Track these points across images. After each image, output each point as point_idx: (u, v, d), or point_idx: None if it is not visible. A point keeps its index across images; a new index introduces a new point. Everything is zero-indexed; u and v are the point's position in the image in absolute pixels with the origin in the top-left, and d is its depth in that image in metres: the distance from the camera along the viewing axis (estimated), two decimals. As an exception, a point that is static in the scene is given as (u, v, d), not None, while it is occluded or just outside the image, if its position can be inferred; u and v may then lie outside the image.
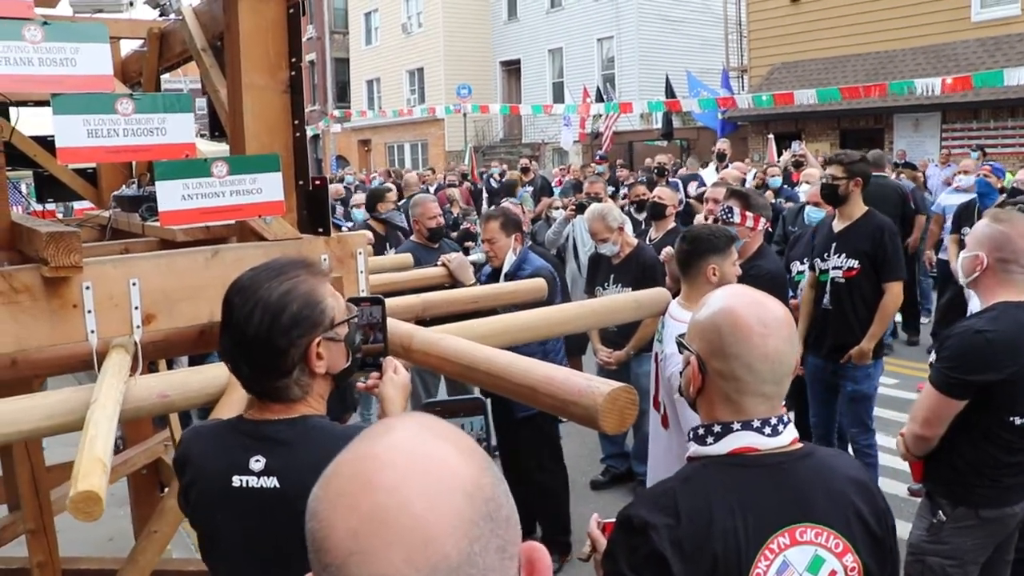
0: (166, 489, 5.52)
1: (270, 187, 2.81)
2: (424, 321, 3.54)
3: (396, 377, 2.27)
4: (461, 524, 0.85)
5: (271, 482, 1.93)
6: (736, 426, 1.80)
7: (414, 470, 0.87)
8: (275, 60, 2.87)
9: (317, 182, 2.94)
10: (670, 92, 24.10)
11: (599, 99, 25.73)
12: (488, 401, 2.49)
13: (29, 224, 3.01)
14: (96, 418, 2.07)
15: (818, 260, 5.61)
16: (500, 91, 34.71)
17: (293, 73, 2.89)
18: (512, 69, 34.94)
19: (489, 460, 0.94)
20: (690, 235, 3.86)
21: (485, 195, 16.72)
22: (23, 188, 7.61)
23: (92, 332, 2.61)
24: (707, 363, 1.84)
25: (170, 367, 4.43)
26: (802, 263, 6.45)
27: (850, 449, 5.83)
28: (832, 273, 5.48)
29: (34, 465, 3.57)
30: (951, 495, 3.35)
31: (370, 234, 6.34)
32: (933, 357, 3.37)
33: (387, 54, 38.73)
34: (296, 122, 2.91)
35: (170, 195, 2.68)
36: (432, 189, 17.33)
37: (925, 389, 3.33)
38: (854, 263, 5.38)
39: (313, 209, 2.95)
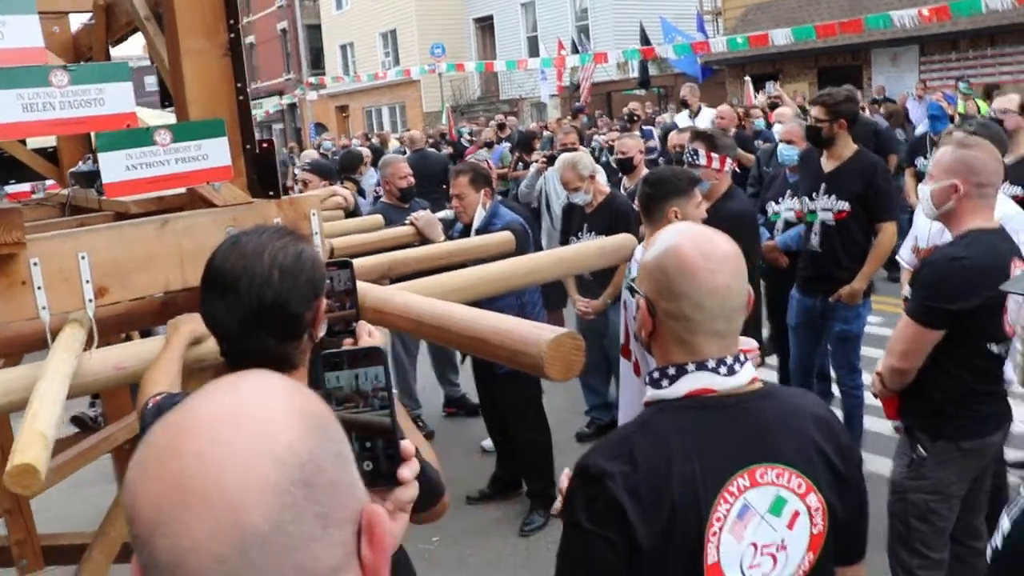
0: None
1: (216, 152, 2.78)
2: (392, 280, 3.53)
3: (371, 340, 2.20)
4: (269, 492, 0.80)
5: None
6: (690, 367, 1.76)
7: (223, 435, 0.82)
8: (212, 24, 2.82)
9: (264, 145, 2.91)
10: (645, 40, 23.93)
11: (574, 51, 25.53)
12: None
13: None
14: (41, 391, 2.05)
15: (807, 199, 5.55)
16: (475, 49, 34.41)
17: (232, 36, 2.85)
18: (486, 26, 34.61)
19: (323, 422, 0.88)
20: (652, 178, 3.83)
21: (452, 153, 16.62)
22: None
23: (43, 308, 2.59)
24: (656, 305, 1.80)
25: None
26: (777, 203, 6.44)
27: (835, 389, 5.85)
28: (822, 215, 5.41)
29: (4, 445, 3.56)
30: (930, 429, 3.32)
31: (343, 195, 6.29)
32: (907, 289, 3.35)
33: (359, 17, 38.29)
34: (239, 85, 2.87)
35: (114, 166, 2.65)
36: (408, 152, 17.21)
37: (901, 321, 3.29)
38: (844, 205, 5.30)
39: (262, 172, 2.92)
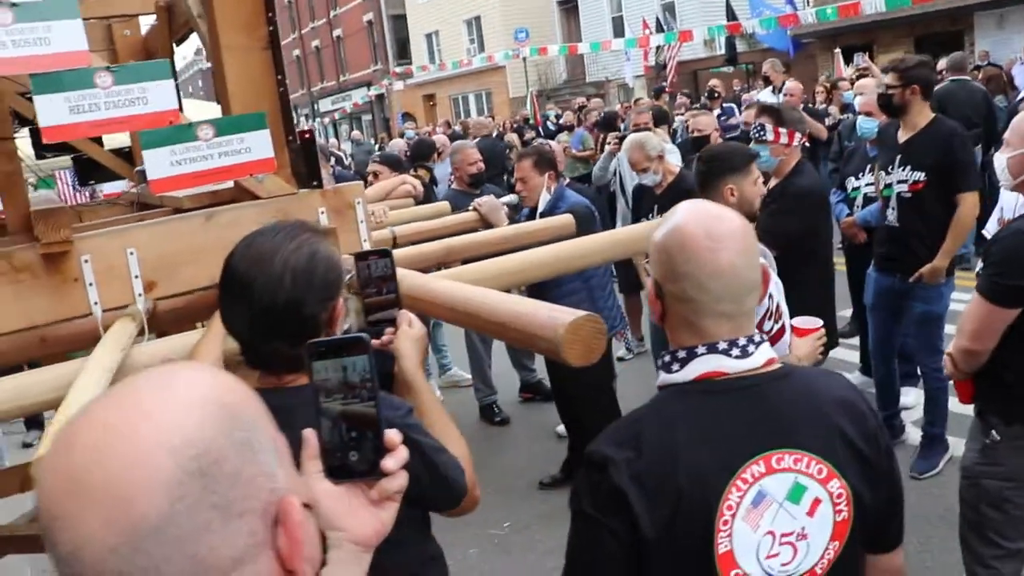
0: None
1: (258, 145, 2.81)
2: (450, 267, 3.53)
3: (411, 330, 2.20)
4: (162, 482, 0.80)
5: None
6: (700, 350, 1.70)
7: (119, 426, 0.82)
8: (251, 18, 2.85)
9: (305, 135, 2.93)
10: (732, 15, 23.49)
11: (659, 30, 25.22)
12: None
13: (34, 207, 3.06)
14: (79, 384, 2.10)
15: (883, 173, 5.32)
16: (559, 32, 34.28)
17: (271, 28, 2.87)
18: (570, 8, 34.45)
19: (233, 412, 0.89)
20: (707, 154, 3.75)
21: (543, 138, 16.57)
22: (65, 175, 7.84)
23: (95, 304, 2.66)
24: (663, 287, 1.75)
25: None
26: (857, 178, 6.24)
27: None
28: (897, 187, 5.18)
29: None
30: (1004, 413, 3.17)
31: (411, 183, 6.33)
32: (980, 265, 3.20)
33: (443, 5, 38.51)
34: (279, 77, 2.89)
35: (158, 163, 2.70)
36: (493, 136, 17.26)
37: (973, 299, 3.13)
38: (920, 176, 5.05)
39: (305, 163, 2.94)
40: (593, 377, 5.18)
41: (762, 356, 1.72)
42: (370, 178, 6.64)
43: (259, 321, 1.87)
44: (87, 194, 7.14)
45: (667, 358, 1.76)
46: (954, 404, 5.44)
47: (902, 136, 5.21)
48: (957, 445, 5.34)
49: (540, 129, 18.13)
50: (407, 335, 2.19)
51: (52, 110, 2.56)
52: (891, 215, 5.25)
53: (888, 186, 5.26)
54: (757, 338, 1.74)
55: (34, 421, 7.62)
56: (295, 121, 2.98)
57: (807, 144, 5.86)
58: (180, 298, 3.08)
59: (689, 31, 22.95)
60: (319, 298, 1.88)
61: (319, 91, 52.18)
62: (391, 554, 1.99)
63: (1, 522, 4.60)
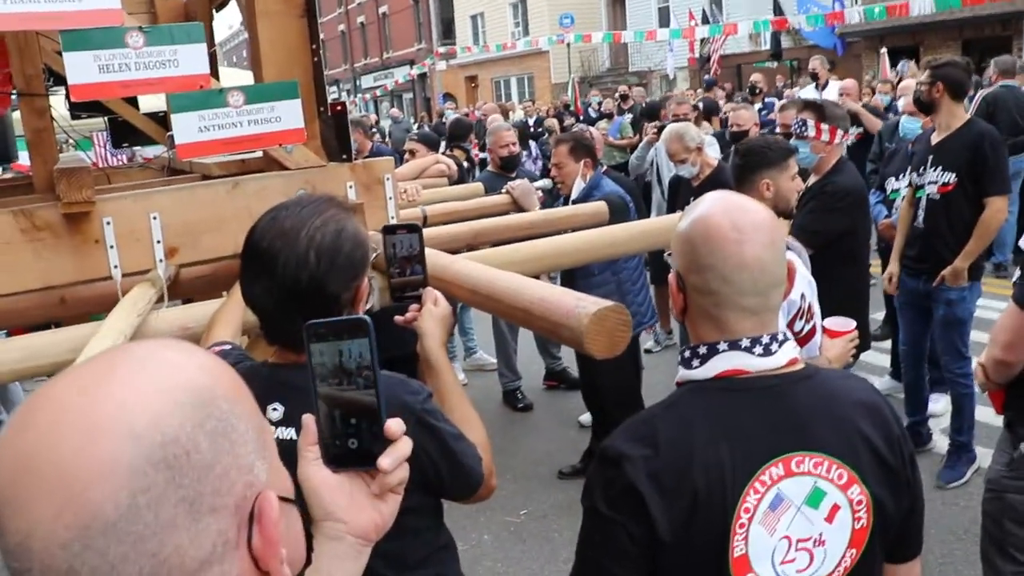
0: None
1: (289, 114, 2.76)
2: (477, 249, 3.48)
3: (436, 309, 2.15)
4: (120, 472, 0.71)
5: (288, 433, 1.81)
6: (722, 346, 1.63)
7: (76, 407, 0.74)
8: (288, -16, 2.81)
9: (337, 107, 2.88)
10: (778, 10, 23.22)
11: (704, 22, 24.99)
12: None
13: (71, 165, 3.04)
14: (91, 347, 2.07)
15: (915, 175, 5.24)
16: (605, 19, 34.04)
17: (308, -4, 2.82)
18: (616, -5, 34.22)
19: (207, 397, 0.80)
20: (743, 148, 3.66)
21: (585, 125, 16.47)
22: (101, 137, 7.85)
23: (115, 267, 2.63)
24: (685, 279, 1.68)
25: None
26: (897, 179, 6.12)
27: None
28: (928, 189, 5.10)
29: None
30: None
31: (445, 163, 6.28)
32: (1017, 273, 3.09)
33: (490, -13, 38.41)
34: (314, 47, 2.84)
35: (187, 127, 2.66)
36: (531, 122, 17.20)
37: (1007, 309, 3.00)
38: (950, 177, 4.96)
39: (336, 135, 2.89)
40: (621, 369, 5.12)
41: (785, 355, 1.65)
42: (407, 156, 6.59)
43: (281, 297, 1.80)
44: (124, 158, 7.16)
45: (687, 353, 1.69)
46: (985, 414, 5.35)
47: (935, 138, 5.14)
48: (985, 456, 5.24)
49: (580, 116, 18.04)
50: (432, 313, 2.14)
51: (81, 68, 2.52)
52: (919, 216, 5.16)
53: (920, 187, 5.18)
54: (781, 336, 1.67)
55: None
56: (329, 94, 2.92)
57: (859, 138, 5.71)
58: (204, 266, 3.05)
59: (735, 24, 22.74)
60: (344, 277, 1.83)
61: (362, 67, 52.22)
62: (405, 542, 1.94)
63: None
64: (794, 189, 3.58)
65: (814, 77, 11.89)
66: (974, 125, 5.12)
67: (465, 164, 7.40)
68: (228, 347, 2.19)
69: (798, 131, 4.65)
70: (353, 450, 1.08)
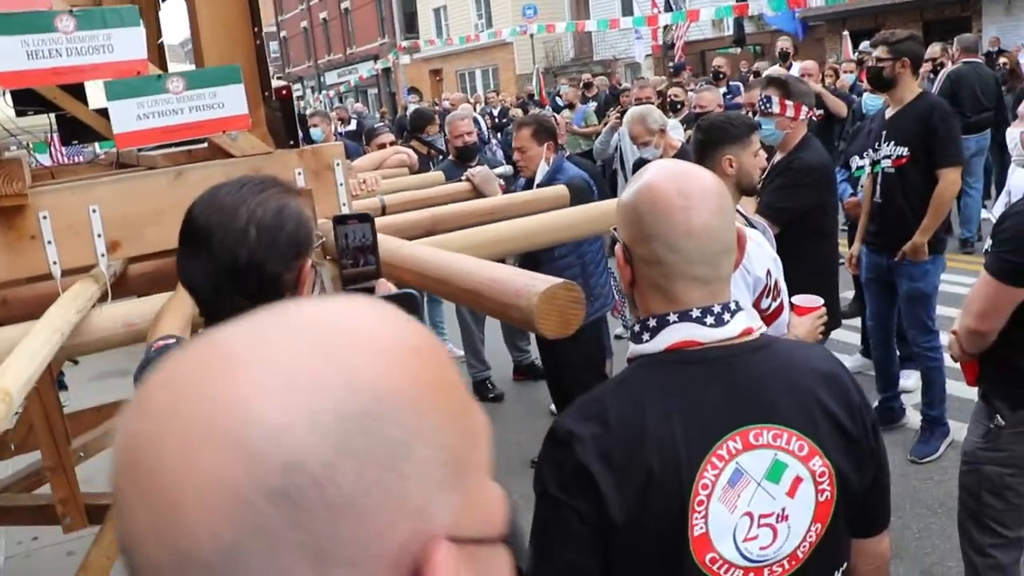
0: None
1: (232, 100, 2.66)
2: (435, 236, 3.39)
3: None
4: (222, 498, 0.52)
5: None
6: (672, 318, 1.56)
7: (194, 397, 0.55)
8: (227, -36, 2.70)
9: (283, 92, 2.78)
10: (741, -5, 23.25)
11: (667, 9, 24.98)
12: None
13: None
14: (20, 346, 1.96)
15: (871, 151, 5.22)
16: (568, 9, 33.97)
17: (248, -23, 2.72)
18: (579, -15, 34.16)
19: (369, 404, 0.55)
20: (705, 123, 3.58)
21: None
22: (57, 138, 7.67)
23: (54, 263, 2.53)
24: (631, 250, 1.60)
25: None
26: (861, 157, 6.09)
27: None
28: (883, 163, 5.09)
29: (45, 404, 3.56)
30: (1010, 397, 3.02)
31: (405, 152, 6.19)
32: (988, 243, 3.06)
33: (452, -21, 38.26)
34: (256, 29, 2.75)
35: (124, 116, 2.55)
36: (495, 112, 17.10)
37: (980, 278, 2.99)
38: (903, 151, 4.96)
39: (282, 121, 2.79)
40: (583, 354, 5.04)
41: (739, 325, 1.58)
42: (379, 148, 6.51)
43: (217, 276, 1.71)
44: (83, 159, 6.99)
45: (636, 328, 1.62)
46: (956, 387, 5.34)
47: (889, 112, 5.14)
48: (959, 430, 5.22)
49: (545, 106, 17.95)
50: None
51: (8, 54, 2.41)
52: (877, 192, 5.14)
53: (876, 163, 5.17)
54: (733, 306, 1.60)
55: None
56: (294, 91, 2.81)
57: (820, 120, 5.69)
58: (151, 261, 2.95)
59: (697, 11, 22.74)
60: (285, 256, 1.73)
61: (325, 64, 51.89)
62: None
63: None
64: (757, 165, 3.51)
65: (784, 57, 11.86)
66: (925, 98, 5.12)
67: (426, 153, 7.29)
68: (173, 340, 2.09)
69: (763, 108, 4.59)
70: None
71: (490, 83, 36.58)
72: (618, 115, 7.41)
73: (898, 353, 5.66)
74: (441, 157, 7.34)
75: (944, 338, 5.42)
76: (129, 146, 2.62)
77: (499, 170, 5.31)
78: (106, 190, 2.59)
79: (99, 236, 2.56)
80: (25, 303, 3.10)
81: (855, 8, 21.54)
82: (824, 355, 1.72)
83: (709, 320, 1.55)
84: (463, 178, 4.85)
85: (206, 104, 2.63)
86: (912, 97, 5.02)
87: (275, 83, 2.81)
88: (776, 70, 11.19)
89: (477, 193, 4.72)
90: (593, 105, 13.94)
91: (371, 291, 2.09)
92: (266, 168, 2.72)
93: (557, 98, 17.29)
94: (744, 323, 1.59)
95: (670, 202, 1.54)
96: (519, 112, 14.89)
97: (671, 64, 21.84)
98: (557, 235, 3.14)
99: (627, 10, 29.17)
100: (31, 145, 4.77)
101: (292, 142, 2.79)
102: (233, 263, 1.69)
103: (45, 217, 2.49)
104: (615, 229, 1.70)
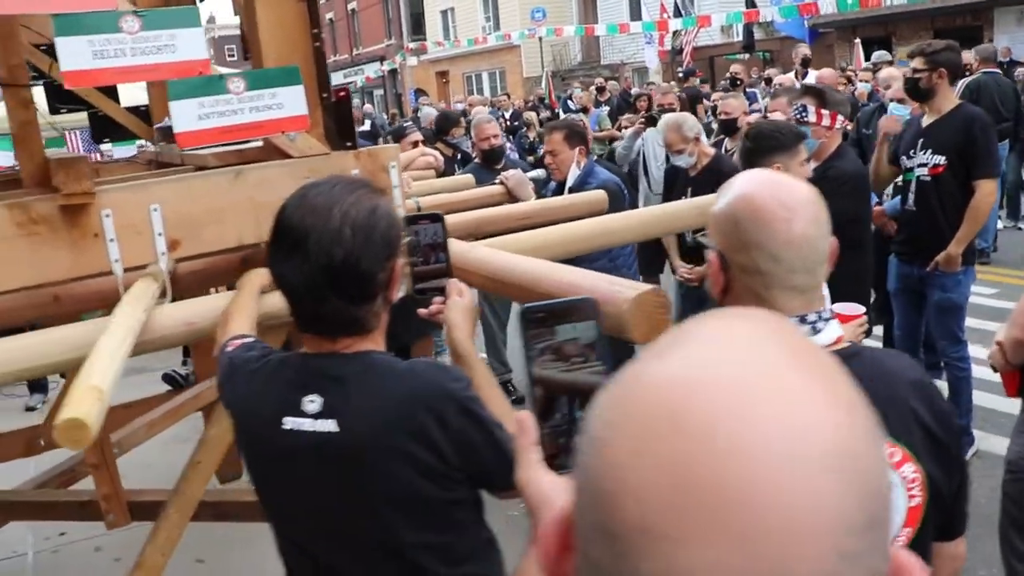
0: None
1: (292, 101, 2.67)
2: (478, 239, 3.40)
3: (461, 300, 2.07)
4: (831, 528, 0.52)
5: (328, 425, 1.75)
6: None
7: (770, 425, 0.53)
8: (287, -33, 2.71)
9: (341, 93, 2.79)
10: (750, 2, 23.26)
11: (677, 14, 24.98)
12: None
13: (55, 158, 2.93)
14: (100, 345, 1.97)
15: (904, 158, 5.22)
16: (576, 13, 33.98)
17: (307, -21, 2.73)
18: (588, -11, 34.18)
19: (863, 411, 0.58)
20: (753, 132, 3.61)
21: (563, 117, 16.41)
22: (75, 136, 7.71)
23: (116, 261, 2.53)
24: (728, 258, 1.62)
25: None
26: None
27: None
28: (918, 171, 5.07)
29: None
30: None
31: (432, 155, 6.20)
32: None
33: (460, -19, 38.28)
34: (315, 31, 2.75)
35: (185, 115, 2.57)
36: (507, 115, 17.10)
37: None
38: (940, 159, 4.95)
39: (339, 123, 2.80)
40: (616, 356, 5.04)
41: (832, 333, 1.62)
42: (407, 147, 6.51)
43: (313, 276, 1.73)
44: (95, 156, 7.01)
45: None
46: (981, 398, 5.34)
47: (926, 120, 5.13)
48: (983, 439, 5.25)
49: (555, 109, 17.96)
50: (458, 305, 2.06)
51: (74, 53, 2.42)
52: (910, 200, 5.16)
53: (909, 170, 5.16)
54: (826, 314, 1.63)
55: (37, 384, 7.49)
56: (329, 83, 2.82)
57: (848, 129, 5.70)
58: (199, 260, 2.96)
59: (708, 16, 22.76)
60: (379, 256, 1.75)
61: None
62: (453, 536, 1.87)
63: (4, 487, 4.50)
64: (804, 174, 3.53)
65: (805, 63, 11.87)
66: (964, 108, 5.12)
67: (451, 155, 7.30)
68: (251, 339, 2.10)
69: (798, 116, 4.60)
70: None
71: (497, 86, 36.59)
72: (642, 120, 7.41)
73: (924, 362, 5.66)
74: (462, 158, 7.35)
75: (976, 349, 5.44)
76: (189, 145, 2.63)
77: (532, 174, 5.31)
78: (167, 189, 2.59)
79: (160, 235, 2.56)
80: (76, 300, 3.12)
81: (866, 16, 21.52)
82: (911, 363, 1.76)
83: (805, 329, 1.57)
84: (497, 181, 4.86)
85: (266, 105, 2.64)
86: (951, 107, 5.03)
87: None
88: (788, 78, 11.24)
89: (511, 196, 4.72)
90: (606, 109, 13.97)
91: (442, 290, 2.10)
92: (323, 168, 2.72)
93: (568, 102, 17.32)
94: (836, 331, 1.61)
95: (772, 212, 1.56)
96: (533, 115, 14.89)
97: (680, 69, 21.85)
98: (608, 239, 3.18)
99: (635, 14, 29.19)
100: (45, 140, 4.79)
101: (348, 144, 2.80)
102: (329, 263, 1.71)
103: (108, 215, 2.49)
104: (702, 235, 1.71)
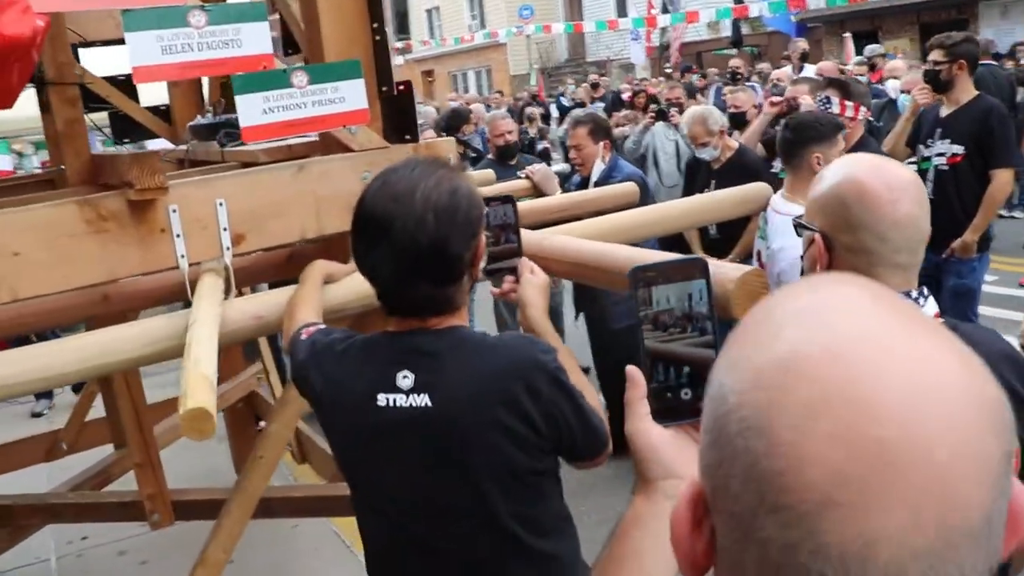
0: (261, 422, 5.56)
1: (353, 95, 2.67)
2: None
3: (535, 278, 2.09)
4: (989, 472, 0.58)
5: (422, 400, 1.77)
6: None
7: (919, 384, 0.58)
8: (346, -39, 2.71)
9: (401, 87, 2.79)
10: (739, -3, 23.35)
11: (664, 11, 25.05)
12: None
13: (112, 153, 2.93)
14: (198, 337, 1.97)
15: (921, 147, 5.31)
16: (563, 10, 33.98)
17: (366, -27, 2.73)
18: (573, -14, 34.19)
19: (981, 362, 0.64)
20: (794, 122, 3.64)
21: (557, 115, 16.44)
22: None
23: (182, 256, 2.53)
24: (834, 239, 1.68)
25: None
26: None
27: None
28: (936, 160, 5.17)
29: (135, 400, 3.55)
30: None
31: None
32: None
33: (445, -20, 38.24)
34: (375, 25, 2.75)
35: (251, 109, 2.56)
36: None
37: None
38: (958, 149, 5.05)
39: (398, 116, 2.80)
40: (627, 350, 5.06)
41: (931, 309, 1.70)
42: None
43: (401, 263, 1.75)
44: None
45: None
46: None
47: (944, 111, 5.23)
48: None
49: (547, 106, 17.97)
50: (531, 283, 2.09)
51: (144, 49, 2.41)
52: (929, 188, 5.18)
53: (926, 159, 5.25)
54: (926, 292, 1.71)
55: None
56: (391, 76, 2.82)
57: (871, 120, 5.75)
58: (245, 258, 2.96)
59: (695, 12, 22.84)
60: (464, 236, 1.77)
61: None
62: (542, 507, 1.88)
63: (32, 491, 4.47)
64: (842, 163, 3.56)
65: (804, 58, 11.92)
66: (982, 100, 5.21)
67: (462, 152, 7.29)
68: (324, 326, 2.11)
69: (822, 107, 4.64)
70: (687, 401, 1.00)
71: (483, 84, 36.57)
72: (652, 115, 7.43)
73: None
74: (474, 154, 7.35)
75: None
76: (256, 139, 2.62)
77: (556, 167, 5.33)
78: (232, 184, 2.59)
79: (225, 230, 2.56)
80: (126, 299, 3.11)
81: (853, 10, 21.66)
82: (1000, 337, 1.81)
83: None
84: (522, 175, 4.87)
85: (328, 99, 2.64)
86: (969, 98, 5.12)
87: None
88: (785, 72, 11.28)
89: (537, 190, 4.74)
90: (600, 105, 14.00)
91: (514, 270, 2.12)
92: (382, 163, 2.72)
93: (561, 98, 17.36)
94: (934, 307, 1.67)
95: (879, 195, 1.63)
96: (534, 111, 14.87)
97: (667, 65, 21.92)
98: (652, 229, 3.20)
99: (621, 11, 29.24)
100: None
101: (408, 137, 2.80)
102: (416, 249, 1.73)
103: (175, 211, 2.49)
104: (798, 218, 1.75)
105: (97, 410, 4.81)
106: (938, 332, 0.63)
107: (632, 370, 0.99)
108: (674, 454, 0.99)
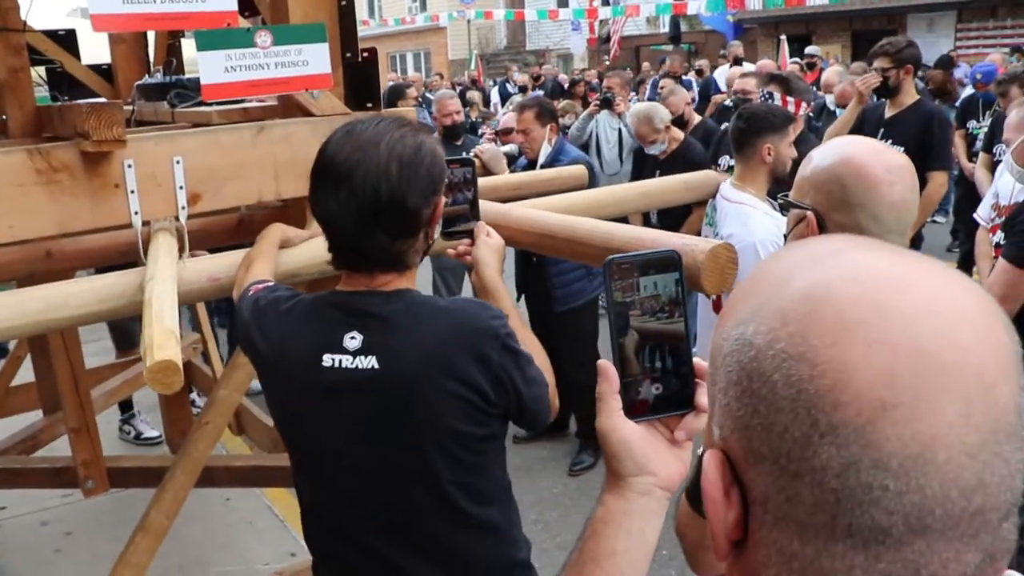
0: (195, 391, 5.47)
1: (317, 59, 2.64)
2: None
3: (491, 240, 2.11)
4: (1014, 366, 0.62)
5: (369, 362, 1.74)
6: None
7: (939, 292, 0.63)
8: (316, -79, 2.68)
9: (366, 55, 2.76)
10: (679, -7, 23.55)
11: (604, 3, 25.16)
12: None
13: (61, 104, 2.84)
14: (157, 292, 1.93)
15: None
16: (503, -3, 33.93)
17: (336, -65, 2.70)
18: (516, -27, 34.13)
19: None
20: (746, 112, 3.68)
21: (498, 100, 16.43)
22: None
23: (136, 214, 2.48)
24: (827, 217, 1.70)
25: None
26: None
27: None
28: None
29: (73, 362, 3.46)
30: None
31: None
32: (1000, 237, 3.27)
33: (386, -40, 37.83)
34: (341, -11, 2.72)
35: (213, 67, 2.51)
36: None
37: (997, 267, 3.22)
38: (899, 150, 5.17)
39: (361, 83, 2.78)
40: (581, 330, 5.15)
41: None
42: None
43: (359, 212, 1.73)
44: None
45: None
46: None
47: (888, 112, 5.37)
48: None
49: (487, 92, 17.93)
50: (486, 243, 2.11)
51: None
52: None
53: None
54: None
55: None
56: (356, 42, 2.79)
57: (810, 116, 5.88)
58: (196, 220, 2.91)
59: (636, 6, 22.97)
60: (424, 191, 1.76)
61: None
62: (485, 475, 1.88)
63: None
64: (791, 155, 3.62)
65: (738, 62, 12.12)
66: (925, 103, 5.41)
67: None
68: (271, 283, 2.08)
69: (764, 102, 4.72)
70: (659, 395, 0.98)
71: (421, 67, 36.32)
72: (598, 103, 7.48)
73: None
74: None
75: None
76: (216, 97, 2.57)
77: (505, 148, 5.33)
78: (191, 141, 2.54)
79: (181, 188, 2.51)
80: (68, 257, 3.04)
81: (789, 13, 22.03)
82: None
83: None
84: (472, 154, 4.86)
85: (291, 61, 2.61)
86: (912, 101, 5.28)
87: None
88: (735, 71, 11.42)
89: (485, 169, 4.74)
90: (540, 92, 14.02)
91: (470, 234, 2.13)
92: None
93: (507, 84, 17.36)
94: None
95: (877, 176, 1.66)
96: (476, 95, 14.83)
97: (606, 58, 22.03)
98: (604, 211, 3.15)
99: (562, 1, 29.30)
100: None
101: (370, 105, 2.78)
102: (376, 199, 1.72)
103: (130, 166, 2.43)
104: (785, 197, 1.77)
105: (24, 375, 4.68)
106: (942, 268, 0.67)
107: (604, 364, 0.97)
108: (647, 450, 0.98)
